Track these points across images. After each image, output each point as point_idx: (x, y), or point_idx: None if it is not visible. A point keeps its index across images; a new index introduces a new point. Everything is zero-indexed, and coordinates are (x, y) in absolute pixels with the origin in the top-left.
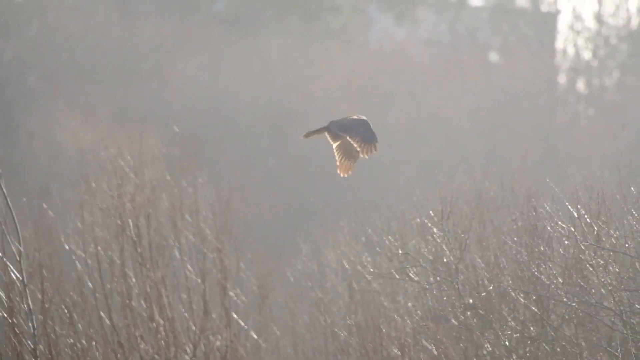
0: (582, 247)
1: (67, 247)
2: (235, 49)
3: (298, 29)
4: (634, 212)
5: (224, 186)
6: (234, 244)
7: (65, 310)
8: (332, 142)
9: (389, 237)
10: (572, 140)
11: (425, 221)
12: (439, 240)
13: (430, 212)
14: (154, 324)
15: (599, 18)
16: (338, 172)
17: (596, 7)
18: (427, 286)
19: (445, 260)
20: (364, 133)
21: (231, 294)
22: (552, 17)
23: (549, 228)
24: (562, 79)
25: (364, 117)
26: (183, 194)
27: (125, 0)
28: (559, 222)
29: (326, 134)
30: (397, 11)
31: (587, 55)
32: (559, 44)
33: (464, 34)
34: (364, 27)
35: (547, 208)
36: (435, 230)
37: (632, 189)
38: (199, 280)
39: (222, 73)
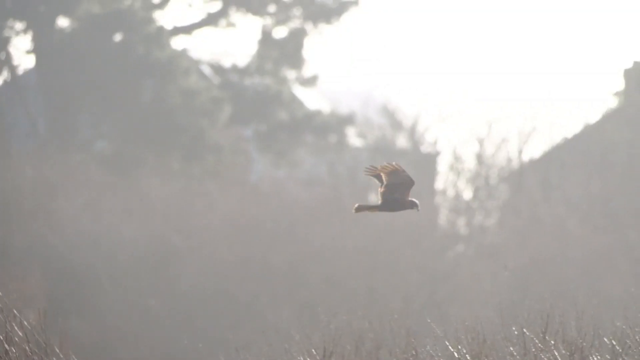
0: None
1: None
2: (116, 189)
3: (179, 169)
4: (514, 353)
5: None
6: None
7: None
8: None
9: None
10: (454, 282)
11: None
12: None
13: (313, 350)
14: None
15: (479, 159)
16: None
17: (477, 148)
18: None
19: None
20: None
21: None
22: (432, 158)
23: None
24: (442, 219)
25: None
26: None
27: (5, 139)
28: None
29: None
30: (276, 152)
31: (467, 195)
32: (439, 184)
33: (344, 174)
34: (244, 167)
35: (428, 348)
36: None
37: (514, 328)
38: None
39: (103, 212)
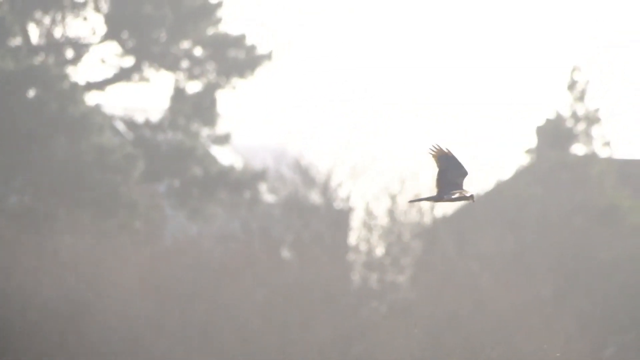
0: None
1: None
2: (27, 245)
3: (91, 225)
4: None
5: None
6: None
7: None
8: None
9: None
10: (368, 338)
11: None
12: None
13: None
14: None
15: (392, 215)
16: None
17: (389, 204)
18: None
19: None
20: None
21: None
22: (344, 214)
23: None
24: (355, 275)
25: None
26: None
27: None
28: None
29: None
30: (190, 208)
31: (380, 252)
32: (352, 240)
33: (257, 230)
34: (158, 223)
35: None
36: None
37: None
38: None
39: (13, 269)
